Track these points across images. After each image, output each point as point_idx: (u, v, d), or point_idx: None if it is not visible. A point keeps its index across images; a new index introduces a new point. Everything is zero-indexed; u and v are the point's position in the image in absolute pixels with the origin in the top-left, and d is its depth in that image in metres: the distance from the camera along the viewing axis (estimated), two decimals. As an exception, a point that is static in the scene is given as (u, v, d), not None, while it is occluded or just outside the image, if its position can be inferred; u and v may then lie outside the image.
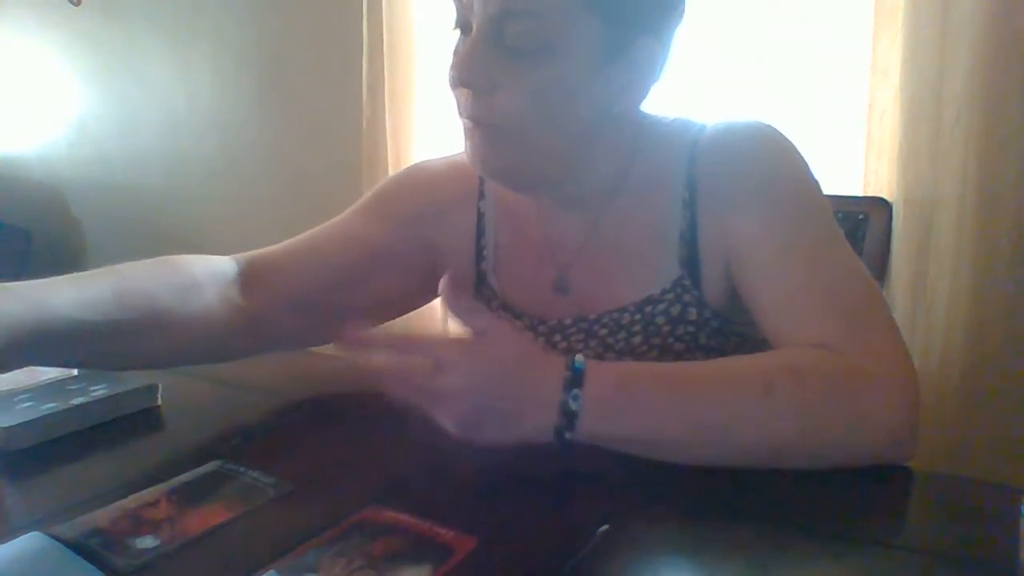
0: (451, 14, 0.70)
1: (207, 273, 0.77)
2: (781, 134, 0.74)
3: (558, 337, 0.79)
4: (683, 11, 0.71)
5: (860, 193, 1.32)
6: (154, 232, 2.59)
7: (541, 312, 0.80)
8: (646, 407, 0.60)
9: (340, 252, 0.82)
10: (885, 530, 0.55)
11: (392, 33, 1.76)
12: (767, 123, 0.75)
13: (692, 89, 1.45)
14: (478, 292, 0.85)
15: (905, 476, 0.60)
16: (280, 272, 0.81)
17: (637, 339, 0.75)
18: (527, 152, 0.70)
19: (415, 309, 0.89)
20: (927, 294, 1.26)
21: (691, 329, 0.75)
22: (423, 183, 0.86)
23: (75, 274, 0.69)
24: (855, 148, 1.36)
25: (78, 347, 0.68)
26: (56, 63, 2.76)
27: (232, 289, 0.78)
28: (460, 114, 0.71)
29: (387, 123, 1.80)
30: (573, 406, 0.59)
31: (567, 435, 0.59)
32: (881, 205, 1.02)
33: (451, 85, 0.71)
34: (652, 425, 0.60)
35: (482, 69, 0.66)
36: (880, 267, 0.99)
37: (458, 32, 0.71)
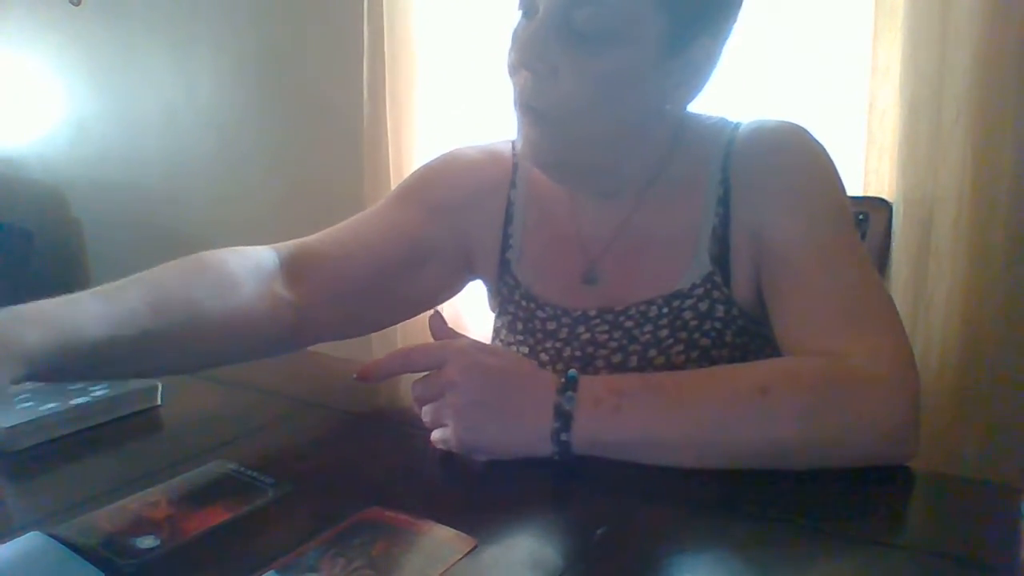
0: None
1: (245, 267, 0.73)
2: (812, 136, 0.75)
3: (582, 328, 0.79)
4: (738, 16, 0.72)
5: (860, 193, 1.32)
6: (154, 232, 2.60)
7: (565, 303, 0.80)
8: (641, 409, 0.61)
9: (387, 241, 0.81)
10: (885, 530, 0.55)
11: (393, 33, 1.75)
12: (799, 125, 0.76)
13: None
14: (501, 281, 0.85)
15: (905, 476, 0.60)
16: (329, 261, 0.78)
17: (664, 332, 0.76)
18: (579, 143, 0.71)
19: (450, 299, 0.90)
20: (926, 294, 1.26)
21: (718, 326, 0.75)
22: (460, 172, 0.86)
23: (104, 287, 0.64)
24: (855, 148, 1.36)
25: (115, 364, 0.64)
26: (56, 63, 2.76)
27: (276, 282, 0.75)
28: (515, 103, 0.72)
29: (388, 123, 1.80)
30: (568, 406, 0.60)
31: (563, 436, 0.59)
32: (881, 205, 1.03)
33: (510, 70, 0.71)
34: (648, 427, 0.60)
35: (545, 53, 0.67)
36: (880, 267, 0.99)
37: (520, 16, 0.71)
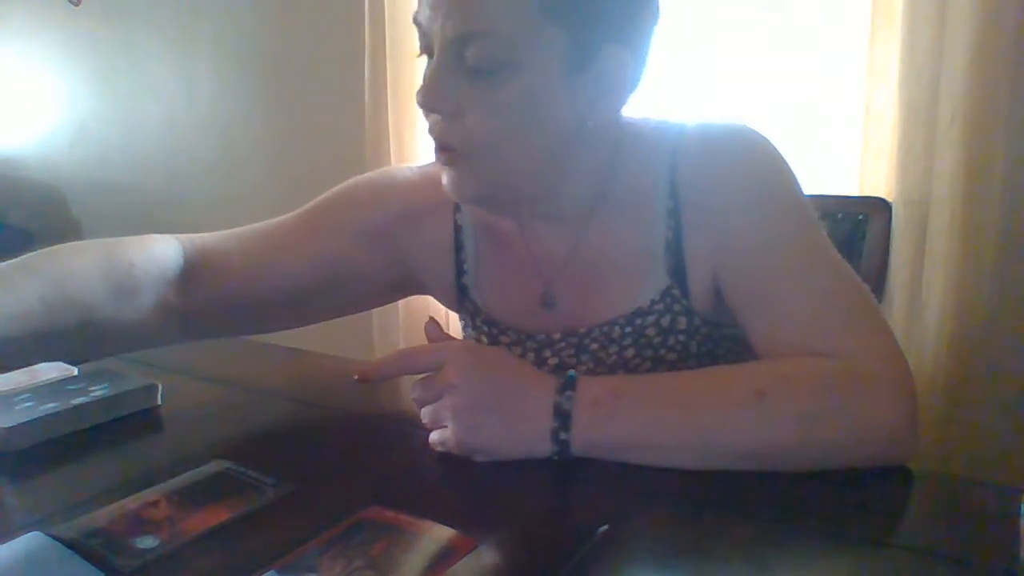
0: (415, 41, 0.69)
1: (149, 274, 0.75)
2: (760, 136, 0.72)
3: (548, 353, 0.78)
4: (655, 15, 0.68)
5: (856, 193, 1.32)
6: (154, 232, 2.59)
7: (528, 327, 0.79)
8: (639, 411, 0.61)
9: (301, 263, 0.80)
10: (885, 530, 0.55)
11: (394, 32, 1.75)
12: (745, 125, 0.73)
13: (689, 90, 1.45)
14: (460, 306, 0.84)
15: (905, 476, 0.60)
16: (230, 275, 0.79)
17: (629, 352, 0.75)
18: (501, 175, 0.69)
19: (380, 307, 0.90)
20: (923, 294, 1.26)
21: (682, 338, 0.74)
22: (392, 193, 0.83)
23: (6, 272, 0.68)
24: (852, 149, 1.36)
25: (6, 357, 0.69)
26: (56, 63, 2.76)
27: (170, 288, 0.77)
28: (431, 135, 0.70)
29: (389, 123, 1.80)
30: (567, 406, 0.60)
31: (562, 435, 0.59)
32: (881, 205, 1.03)
33: (422, 109, 0.69)
34: (647, 429, 0.60)
35: (447, 93, 0.65)
36: (880, 267, 0.99)
37: (425, 58, 0.69)
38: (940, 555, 0.50)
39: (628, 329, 0.75)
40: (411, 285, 0.87)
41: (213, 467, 0.62)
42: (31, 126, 2.91)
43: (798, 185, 0.71)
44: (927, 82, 1.22)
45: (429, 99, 0.66)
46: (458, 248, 0.82)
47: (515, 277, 0.80)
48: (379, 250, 0.81)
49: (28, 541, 0.51)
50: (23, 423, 0.69)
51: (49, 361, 0.82)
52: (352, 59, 1.86)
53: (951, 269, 1.21)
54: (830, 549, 0.51)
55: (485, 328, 0.81)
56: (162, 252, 0.78)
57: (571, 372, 0.62)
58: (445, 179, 0.70)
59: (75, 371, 0.83)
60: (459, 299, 0.83)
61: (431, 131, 0.69)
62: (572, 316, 0.77)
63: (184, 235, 0.81)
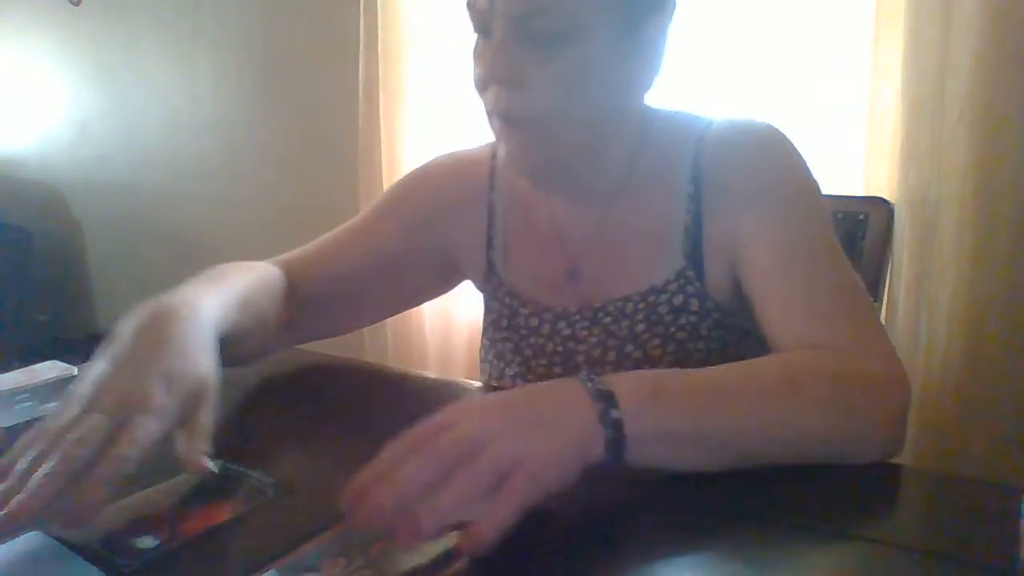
0: (467, 22, 0.72)
1: (274, 284, 0.81)
2: (784, 135, 0.76)
3: (563, 324, 0.81)
4: None
5: (861, 193, 1.31)
6: (154, 233, 2.60)
7: (546, 300, 0.82)
8: (685, 406, 0.55)
9: (361, 258, 0.87)
10: (884, 529, 0.55)
11: (387, 33, 1.76)
12: (771, 123, 0.77)
13: (692, 90, 1.45)
14: (487, 281, 0.87)
15: (904, 475, 0.60)
16: (308, 278, 0.85)
17: (640, 327, 0.77)
18: (559, 144, 0.72)
19: (436, 298, 0.97)
20: (929, 294, 1.26)
21: (692, 319, 0.76)
22: (437, 183, 0.89)
23: (205, 280, 0.72)
24: (856, 149, 1.36)
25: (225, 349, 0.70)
26: (56, 63, 2.76)
27: (284, 298, 0.83)
28: (490, 114, 0.73)
29: (381, 122, 1.81)
30: (603, 387, 0.53)
31: (613, 413, 0.52)
32: (882, 205, 1.03)
33: (479, 86, 0.72)
34: (696, 422, 0.55)
35: (511, 63, 0.68)
36: (880, 267, 0.99)
37: (477, 36, 0.72)
38: (940, 555, 0.50)
39: (641, 305, 0.77)
40: (456, 271, 0.92)
41: (213, 467, 0.62)
42: (31, 126, 2.91)
43: (814, 183, 0.75)
44: (931, 81, 1.22)
45: (495, 69, 0.69)
46: (490, 224, 0.86)
47: (540, 251, 0.83)
48: (428, 240, 0.88)
49: (28, 541, 0.51)
50: (23, 423, 0.69)
51: (269, 353, 0.84)
52: (347, 59, 1.87)
53: (961, 268, 1.21)
54: (830, 549, 0.51)
55: (507, 300, 0.85)
56: (271, 268, 0.84)
57: (583, 373, 0.54)
58: (503, 150, 0.74)
59: (75, 371, 0.83)
60: (487, 275, 0.87)
61: (494, 105, 0.71)
62: (590, 290, 0.80)
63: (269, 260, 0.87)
